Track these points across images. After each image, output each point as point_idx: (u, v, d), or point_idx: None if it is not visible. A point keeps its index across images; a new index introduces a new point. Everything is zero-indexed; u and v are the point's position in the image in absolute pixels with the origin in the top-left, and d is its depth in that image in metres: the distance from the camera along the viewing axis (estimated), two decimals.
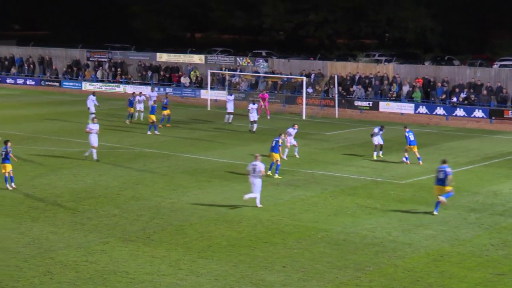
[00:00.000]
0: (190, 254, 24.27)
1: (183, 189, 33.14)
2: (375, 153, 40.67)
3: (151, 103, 50.12)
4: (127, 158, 40.17)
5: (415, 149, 39.68)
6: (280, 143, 36.10)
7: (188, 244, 25.28)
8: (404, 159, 39.79)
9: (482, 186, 34.85)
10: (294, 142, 40.47)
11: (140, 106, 54.31)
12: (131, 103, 52.95)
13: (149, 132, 48.18)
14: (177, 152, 42.00)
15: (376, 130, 40.84)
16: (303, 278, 22.28)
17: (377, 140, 40.72)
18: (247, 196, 29.91)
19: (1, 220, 27.78)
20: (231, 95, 55.41)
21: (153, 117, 48.31)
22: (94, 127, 39.51)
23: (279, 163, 35.93)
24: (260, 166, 29.99)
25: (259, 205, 30.21)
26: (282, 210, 29.94)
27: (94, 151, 39.03)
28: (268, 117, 55.11)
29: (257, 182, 30.06)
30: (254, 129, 49.90)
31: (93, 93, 55.42)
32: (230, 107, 53.62)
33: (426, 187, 34.21)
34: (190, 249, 24.80)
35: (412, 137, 39.64)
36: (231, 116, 53.65)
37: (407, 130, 40.01)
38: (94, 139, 39.02)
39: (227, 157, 40.66)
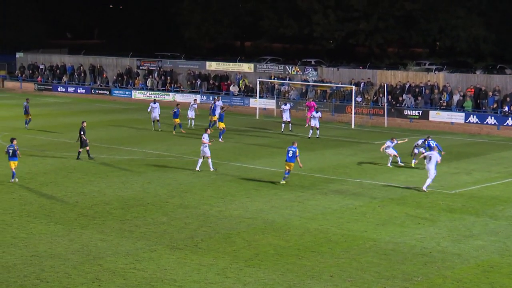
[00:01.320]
0: (237, 262, 24.27)
1: (231, 197, 33.19)
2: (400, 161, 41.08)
3: (218, 111, 52.20)
4: (176, 166, 40.35)
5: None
6: (297, 153, 35.89)
7: (235, 253, 25.29)
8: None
9: None
10: (395, 153, 40.79)
11: (191, 114, 54.74)
12: (176, 115, 52.75)
13: (220, 140, 48.62)
14: (225, 160, 42.09)
15: (389, 142, 40.72)
16: (351, 287, 22.17)
17: (389, 151, 40.57)
18: None
19: (51, 227, 28.11)
20: (286, 104, 55.45)
21: (222, 124, 49.45)
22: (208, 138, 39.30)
23: (291, 170, 36.09)
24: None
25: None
26: (330, 219, 29.81)
27: (209, 161, 39.08)
28: (306, 125, 54.70)
29: None
30: (290, 128, 53.07)
31: (154, 101, 55.63)
32: (286, 116, 53.71)
33: (476, 197, 33.83)
34: (237, 257, 24.80)
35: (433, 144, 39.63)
36: (290, 124, 53.84)
37: (430, 139, 40.29)
38: (206, 150, 38.97)
39: (275, 165, 40.61)
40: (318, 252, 25.41)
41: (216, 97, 59.06)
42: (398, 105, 64.02)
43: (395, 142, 41.00)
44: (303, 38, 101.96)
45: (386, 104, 61.74)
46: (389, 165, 40.77)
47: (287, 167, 36.09)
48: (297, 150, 35.99)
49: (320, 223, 29.11)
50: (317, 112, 52.00)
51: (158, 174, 38.06)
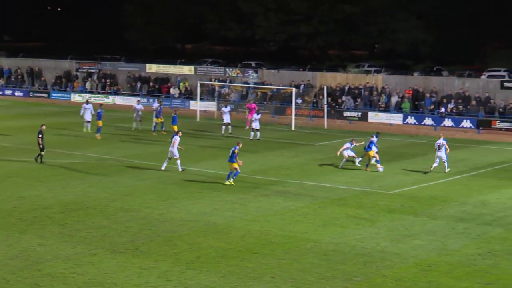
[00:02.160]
0: (179, 265, 24.23)
1: (172, 200, 33.12)
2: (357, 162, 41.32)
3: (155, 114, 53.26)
4: (116, 170, 40.11)
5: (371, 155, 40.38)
6: (236, 153, 36.17)
7: (177, 256, 25.25)
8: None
9: (470, 196, 34.95)
10: (353, 154, 40.94)
11: (138, 116, 55.42)
12: (99, 116, 51.64)
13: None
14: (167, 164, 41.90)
15: (348, 144, 41.04)
16: None
17: (347, 153, 40.88)
18: None
19: None
20: (226, 106, 55.59)
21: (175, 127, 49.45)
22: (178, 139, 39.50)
23: (238, 170, 36.18)
24: None
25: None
26: (271, 220, 29.94)
27: (178, 162, 39.38)
28: (247, 127, 54.95)
29: None
30: (230, 131, 53.52)
31: (87, 102, 55.60)
32: (226, 118, 53.90)
33: (415, 197, 34.34)
34: (179, 260, 24.76)
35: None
36: (230, 127, 53.99)
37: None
38: (175, 151, 39.20)
39: (217, 168, 40.64)
40: (260, 254, 25.51)
41: (158, 99, 59.06)
42: (337, 106, 64.60)
43: (354, 144, 41.16)
44: (245, 41, 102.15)
45: (326, 106, 62.27)
46: (340, 167, 40.90)
47: (231, 167, 36.31)
48: (237, 150, 36.28)
49: (261, 225, 29.23)
50: (257, 114, 52.25)
51: (99, 178, 37.79)
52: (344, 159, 41.01)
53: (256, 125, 51.36)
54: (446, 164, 40.55)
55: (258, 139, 50.89)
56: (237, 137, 51.91)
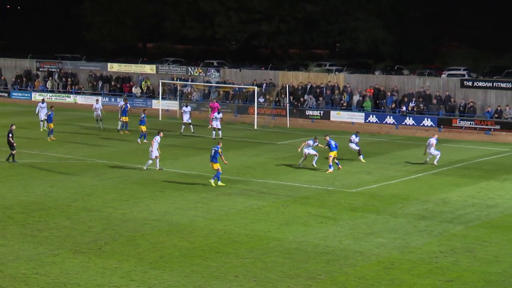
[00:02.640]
0: (142, 265, 24.16)
1: (135, 200, 32.99)
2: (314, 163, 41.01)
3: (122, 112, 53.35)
4: (78, 169, 39.86)
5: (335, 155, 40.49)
6: (220, 153, 36.13)
7: (140, 255, 25.17)
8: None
9: (432, 194, 35.27)
10: (315, 152, 40.76)
11: (98, 114, 55.26)
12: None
13: (139, 140, 48.94)
14: (128, 162, 41.81)
15: (310, 142, 41.06)
16: (256, 287, 22.32)
17: (308, 151, 40.78)
18: None
19: None
20: (187, 106, 55.45)
21: (144, 128, 49.31)
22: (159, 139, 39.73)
23: (220, 171, 36.05)
24: None
25: None
26: (234, 219, 29.97)
27: (157, 160, 39.56)
28: (209, 126, 54.74)
29: None
30: (192, 130, 53.25)
31: (42, 101, 55.46)
32: (186, 118, 53.84)
33: (377, 196, 34.58)
34: (142, 260, 24.69)
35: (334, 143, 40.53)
36: (192, 126, 53.84)
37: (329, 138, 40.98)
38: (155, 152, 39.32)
39: (179, 167, 40.58)
40: (223, 253, 25.53)
41: (124, 98, 58.83)
42: (299, 105, 64.80)
43: (317, 143, 40.98)
44: (206, 40, 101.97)
45: (288, 104, 62.43)
46: (299, 164, 40.97)
47: (213, 167, 36.18)
48: (220, 149, 36.19)
49: (224, 224, 29.25)
50: (218, 113, 52.21)
51: (60, 178, 37.52)
52: (303, 158, 41.02)
53: (217, 124, 51.35)
54: (438, 157, 42.25)
55: (220, 138, 50.86)
56: (199, 136, 51.91)
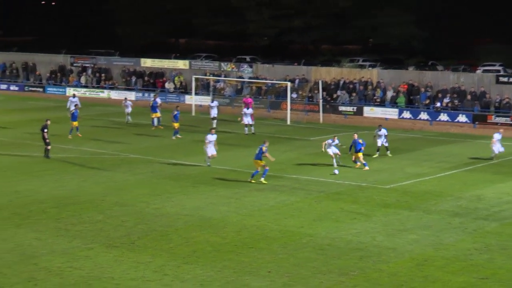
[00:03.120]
0: (175, 259, 24.22)
1: (167, 195, 33.09)
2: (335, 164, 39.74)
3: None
4: (111, 164, 40.06)
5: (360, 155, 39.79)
6: (264, 150, 35.90)
7: (173, 250, 25.24)
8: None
9: (466, 190, 34.98)
10: (337, 151, 39.78)
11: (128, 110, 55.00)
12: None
13: (173, 137, 48.67)
14: (161, 157, 41.94)
15: (329, 141, 40.05)
16: (288, 283, 22.28)
17: (331, 150, 39.71)
18: None
19: None
20: (213, 101, 55.42)
21: (177, 124, 48.95)
22: (212, 138, 39.23)
23: (266, 167, 35.78)
24: None
25: None
26: (267, 215, 29.94)
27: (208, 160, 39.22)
28: (241, 122, 54.86)
29: None
30: (215, 125, 51.57)
31: (74, 95, 55.77)
32: (214, 113, 53.80)
33: (410, 192, 34.36)
34: (174, 254, 24.76)
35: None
36: (216, 121, 53.77)
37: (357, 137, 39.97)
38: (210, 150, 38.99)
39: (211, 162, 40.61)
40: (256, 248, 25.51)
41: (154, 94, 59.01)
42: (332, 101, 64.60)
43: (336, 141, 40.02)
44: (238, 35, 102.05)
45: (321, 100, 62.24)
46: (335, 165, 39.97)
47: (257, 165, 35.87)
48: (264, 147, 35.77)
49: (257, 219, 29.23)
50: (248, 109, 51.91)
51: (93, 172, 37.73)
52: (333, 158, 39.91)
53: (248, 120, 51.16)
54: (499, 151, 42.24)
55: (253, 133, 50.85)
56: (228, 132, 51.93)
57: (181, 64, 75.85)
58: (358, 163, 39.86)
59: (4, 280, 22.08)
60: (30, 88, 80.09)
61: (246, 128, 51.38)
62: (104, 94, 74.92)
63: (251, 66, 72.32)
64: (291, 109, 60.23)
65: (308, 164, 41.08)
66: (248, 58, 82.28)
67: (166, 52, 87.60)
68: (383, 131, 43.16)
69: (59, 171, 37.83)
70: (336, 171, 37.91)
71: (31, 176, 36.60)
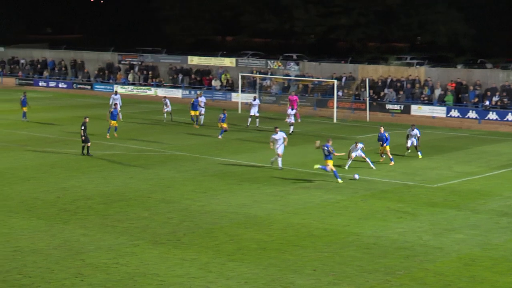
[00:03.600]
0: (220, 257, 24.27)
1: (212, 192, 33.17)
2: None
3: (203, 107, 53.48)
4: (157, 161, 40.29)
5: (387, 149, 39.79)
6: (331, 150, 35.06)
7: (218, 247, 25.30)
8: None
9: None
10: (362, 154, 38.87)
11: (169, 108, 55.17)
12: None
13: (220, 137, 48.30)
14: (206, 155, 42.07)
15: (353, 146, 39.15)
16: (333, 281, 22.19)
17: (355, 154, 38.86)
18: None
19: (33, 222, 28.00)
20: (255, 99, 55.34)
21: (225, 125, 48.26)
22: (278, 136, 38.02)
23: (334, 169, 35.36)
24: None
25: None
26: (312, 213, 29.86)
27: (280, 159, 38.18)
28: (299, 120, 55.09)
29: None
30: (248, 124, 52.66)
31: (116, 92, 56.15)
32: (254, 111, 53.68)
33: (457, 191, 33.99)
34: (220, 252, 24.81)
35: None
36: (258, 119, 53.77)
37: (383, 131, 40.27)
38: (279, 149, 37.90)
39: (257, 160, 40.64)
40: (301, 246, 25.45)
41: (198, 92, 59.10)
42: (379, 99, 64.21)
43: (360, 146, 38.74)
44: (284, 33, 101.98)
45: (368, 98, 61.92)
46: (346, 167, 38.73)
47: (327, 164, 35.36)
48: (330, 148, 35.29)
49: (302, 218, 29.16)
50: (292, 109, 51.52)
51: (140, 169, 37.98)
52: (350, 160, 39.03)
53: (290, 120, 50.69)
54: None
55: (290, 133, 49.60)
56: (269, 130, 51.83)
57: (228, 62, 76.02)
58: (384, 157, 39.64)
59: (51, 275, 22.33)
60: (78, 86, 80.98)
61: (292, 127, 50.62)
62: (151, 91, 75.41)
63: (297, 64, 72.21)
64: (337, 107, 60.00)
65: (354, 163, 40.82)
66: (294, 56, 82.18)
67: (213, 50, 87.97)
68: (416, 132, 42.33)
69: (106, 168, 38.17)
70: (357, 176, 36.38)
71: (78, 172, 36.97)
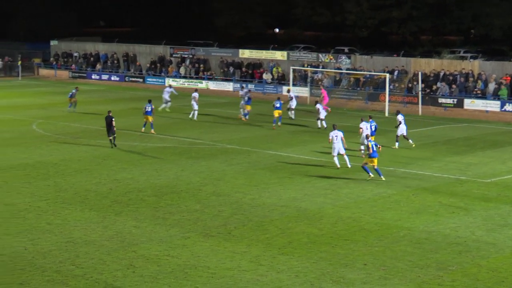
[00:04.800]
0: (271, 250, 24.28)
1: (263, 185, 33.18)
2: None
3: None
4: (208, 154, 40.44)
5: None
6: (372, 146, 34.22)
7: (269, 240, 25.31)
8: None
9: None
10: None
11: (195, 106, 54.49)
12: (150, 111, 48.16)
13: (279, 123, 49.27)
14: (257, 148, 42.10)
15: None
16: (384, 276, 22.05)
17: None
18: None
19: (85, 214, 28.32)
20: (290, 94, 55.20)
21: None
22: (335, 133, 36.80)
23: (376, 166, 34.63)
24: None
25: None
26: (363, 207, 29.71)
27: (345, 157, 37.01)
28: (329, 110, 54.76)
29: None
30: (293, 117, 52.77)
31: (170, 86, 56.49)
32: (292, 104, 53.61)
33: (511, 186, 33.54)
34: (270, 245, 24.81)
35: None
36: (293, 112, 53.64)
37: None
38: (337, 146, 36.75)
39: (308, 153, 40.54)
40: (352, 241, 25.35)
41: (243, 85, 58.99)
42: (432, 93, 63.57)
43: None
44: (336, 26, 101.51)
45: (420, 92, 61.32)
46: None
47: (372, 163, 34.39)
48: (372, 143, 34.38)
49: (353, 211, 29.03)
50: (318, 104, 50.62)
51: (191, 162, 38.16)
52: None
53: (322, 115, 49.69)
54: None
55: (325, 127, 49.17)
56: (298, 125, 51.65)
57: (279, 55, 75.92)
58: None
59: (104, 267, 22.56)
60: (131, 79, 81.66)
61: (324, 122, 49.85)
62: (203, 84, 75.66)
63: (349, 57, 71.84)
64: (389, 101, 59.54)
65: (405, 157, 40.55)
66: (346, 49, 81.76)
67: (264, 43, 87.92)
68: (400, 117, 42.44)
69: (157, 160, 38.42)
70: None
71: (130, 165, 37.27)
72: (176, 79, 77.79)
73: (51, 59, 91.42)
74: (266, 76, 73.87)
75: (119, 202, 30.04)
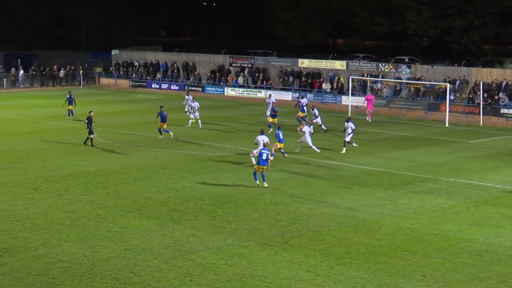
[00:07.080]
0: (328, 260, 24.14)
1: (321, 195, 33.04)
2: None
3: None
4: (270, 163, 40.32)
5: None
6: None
7: (326, 250, 25.17)
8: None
9: None
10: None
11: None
12: (164, 118, 48.57)
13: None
14: (315, 157, 41.94)
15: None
16: None
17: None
18: None
19: (144, 222, 28.53)
20: (315, 111, 54.92)
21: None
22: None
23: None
24: None
25: None
26: (422, 218, 29.37)
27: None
28: (369, 120, 54.39)
29: None
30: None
31: (188, 93, 57.00)
32: (318, 121, 53.29)
33: None
34: (328, 255, 24.68)
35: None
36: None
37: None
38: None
39: (367, 164, 40.25)
40: (410, 252, 25.07)
41: (301, 94, 58.87)
42: (494, 103, 62.65)
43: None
44: (396, 35, 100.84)
45: (482, 102, 60.47)
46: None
47: None
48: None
49: (412, 222, 28.72)
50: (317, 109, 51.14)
51: (249, 171, 38.15)
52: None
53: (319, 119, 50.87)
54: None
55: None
56: (380, 131, 51.24)
57: (338, 64, 75.67)
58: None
59: (161, 274, 22.68)
60: (190, 88, 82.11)
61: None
62: (262, 94, 75.74)
63: (409, 67, 71.24)
64: (450, 111, 58.85)
65: (466, 167, 40.01)
66: (406, 59, 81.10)
67: (323, 53, 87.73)
68: (350, 124, 43.18)
69: (216, 169, 38.54)
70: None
71: (189, 173, 37.46)
72: (235, 88, 78.04)
73: (112, 68, 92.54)
74: (325, 86, 73.63)
75: (177, 211, 30.19)
